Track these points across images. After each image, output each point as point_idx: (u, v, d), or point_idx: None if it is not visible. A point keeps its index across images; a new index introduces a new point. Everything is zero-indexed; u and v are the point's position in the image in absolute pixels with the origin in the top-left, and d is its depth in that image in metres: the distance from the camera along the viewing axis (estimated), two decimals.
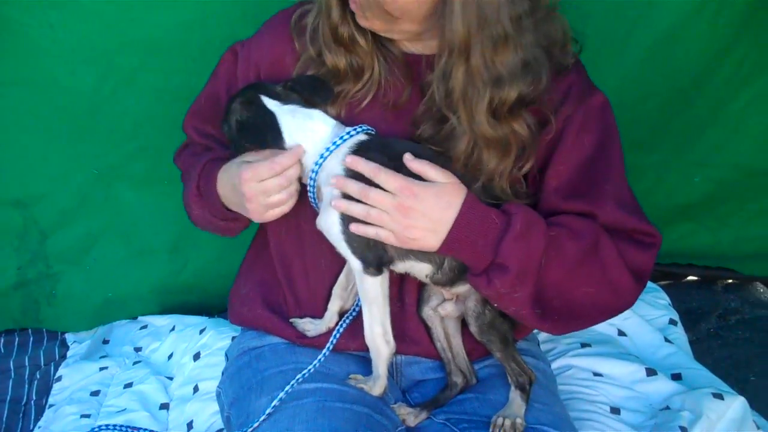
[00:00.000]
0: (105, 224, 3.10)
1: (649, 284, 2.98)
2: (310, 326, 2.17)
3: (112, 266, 3.16)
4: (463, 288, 2.05)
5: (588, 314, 2.05)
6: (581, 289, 1.99)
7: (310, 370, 2.03)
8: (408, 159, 1.91)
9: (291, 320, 2.21)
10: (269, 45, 2.18)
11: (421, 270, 2.01)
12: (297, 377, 2.01)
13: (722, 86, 3.00)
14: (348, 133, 1.96)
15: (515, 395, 2.06)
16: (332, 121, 2.00)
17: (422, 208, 1.88)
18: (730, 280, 3.50)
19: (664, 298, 2.96)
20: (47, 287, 3.16)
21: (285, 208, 2.00)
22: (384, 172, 1.89)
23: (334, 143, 1.95)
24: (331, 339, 2.08)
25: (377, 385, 2.04)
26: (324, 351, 2.06)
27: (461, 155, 1.94)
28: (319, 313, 2.18)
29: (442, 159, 1.96)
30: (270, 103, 1.98)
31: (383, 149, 1.95)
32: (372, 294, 1.97)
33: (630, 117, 2.85)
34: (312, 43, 2.08)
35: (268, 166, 1.93)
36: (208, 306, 3.24)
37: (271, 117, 1.97)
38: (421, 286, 2.13)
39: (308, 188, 1.99)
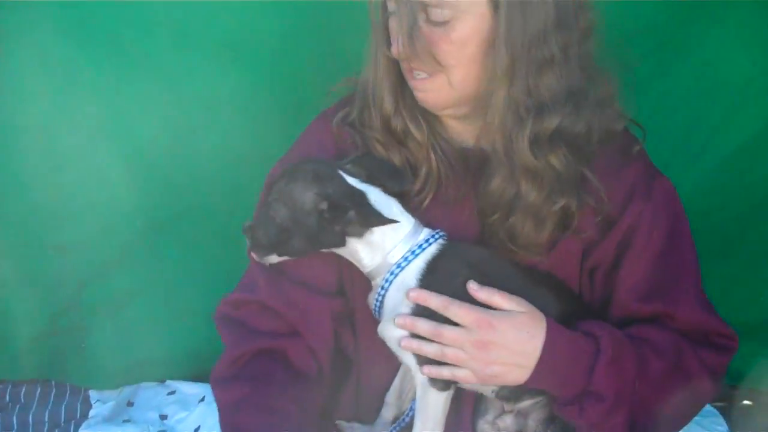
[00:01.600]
0: (144, 281, 3.00)
1: (707, 407, 2.85)
2: (357, 431, 2.03)
3: (147, 325, 3.04)
4: (527, 403, 1.91)
5: (670, 424, 1.98)
6: (667, 401, 1.89)
7: None
8: (473, 289, 1.80)
9: (337, 422, 2.06)
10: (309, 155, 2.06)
11: (487, 388, 1.89)
12: None
13: None
14: (427, 240, 1.83)
15: None
16: (412, 219, 1.87)
17: (503, 342, 1.76)
18: None
19: (722, 425, 2.82)
20: (77, 339, 3.05)
21: None
22: (455, 305, 1.77)
23: (413, 252, 1.81)
24: None
25: None
26: None
27: (497, 190, 1.84)
28: (368, 418, 2.04)
29: (524, 276, 1.86)
30: (353, 182, 1.83)
31: (462, 258, 1.84)
32: (433, 410, 1.83)
33: (703, 226, 2.76)
34: (359, 142, 1.97)
35: None
36: None
37: (359, 199, 1.81)
38: (478, 397, 1.98)
39: (378, 292, 1.85)
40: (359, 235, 1.80)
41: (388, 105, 1.91)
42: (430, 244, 1.83)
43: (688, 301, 1.96)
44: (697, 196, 2.74)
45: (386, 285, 1.82)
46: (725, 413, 2.92)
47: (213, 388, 2.08)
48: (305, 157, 1.93)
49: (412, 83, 1.88)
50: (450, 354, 1.77)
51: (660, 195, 1.98)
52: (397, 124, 1.92)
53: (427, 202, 1.94)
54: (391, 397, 2.00)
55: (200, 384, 3.01)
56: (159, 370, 3.10)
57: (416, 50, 1.77)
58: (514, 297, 1.81)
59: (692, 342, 1.95)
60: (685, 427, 2.58)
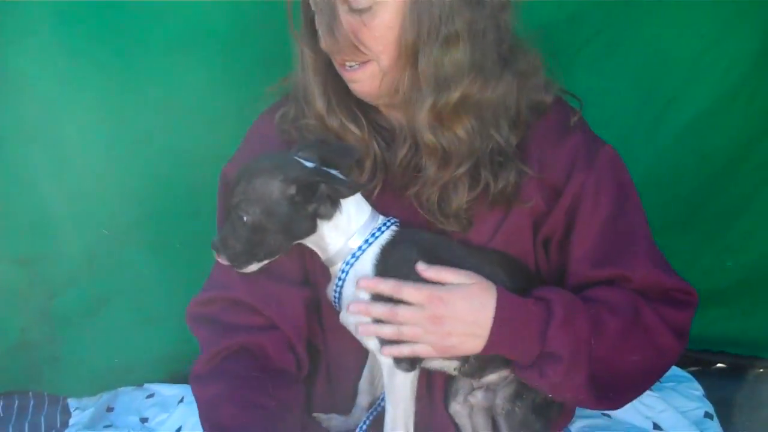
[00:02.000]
0: (113, 287, 2.98)
1: (683, 373, 2.87)
2: (335, 422, 2.03)
3: (120, 331, 3.03)
4: (493, 377, 1.93)
5: (638, 383, 1.99)
6: (628, 360, 1.91)
7: None
8: (421, 269, 1.81)
9: (314, 415, 2.06)
10: (260, 149, 2.05)
11: (449, 364, 1.90)
12: None
13: (755, 172, 2.93)
14: (379, 229, 1.85)
15: None
16: (369, 208, 1.88)
17: (455, 314, 1.79)
18: (762, 369, 3.35)
19: (698, 389, 2.81)
20: (51, 350, 3.03)
21: None
22: (405, 287, 1.79)
23: (367, 241, 1.83)
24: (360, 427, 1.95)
25: None
26: None
27: (401, 161, 1.88)
28: (343, 408, 2.04)
29: (477, 256, 1.87)
30: (312, 165, 1.82)
31: (413, 243, 1.85)
32: (401, 391, 1.84)
33: (662, 199, 2.80)
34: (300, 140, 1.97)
35: None
36: None
37: (325, 174, 1.80)
38: (448, 379, 1.99)
39: (336, 282, 1.86)
40: (329, 216, 1.80)
41: (320, 104, 1.92)
42: (382, 231, 1.84)
43: (642, 262, 1.96)
44: (655, 170, 2.79)
45: (343, 275, 1.83)
46: (700, 378, 2.93)
47: (192, 386, 2.07)
48: (257, 155, 1.92)
49: (345, 76, 1.88)
50: (407, 332, 1.79)
51: (603, 162, 1.98)
52: (332, 122, 1.92)
53: (376, 192, 1.95)
54: (363, 384, 2.02)
55: (178, 385, 2.99)
56: (136, 374, 3.08)
57: (339, 40, 1.79)
58: (462, 271, 1.83)
59: (650, 299, 1.96)
60: (661, 392, 2.64)
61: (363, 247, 1.82)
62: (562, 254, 1.99)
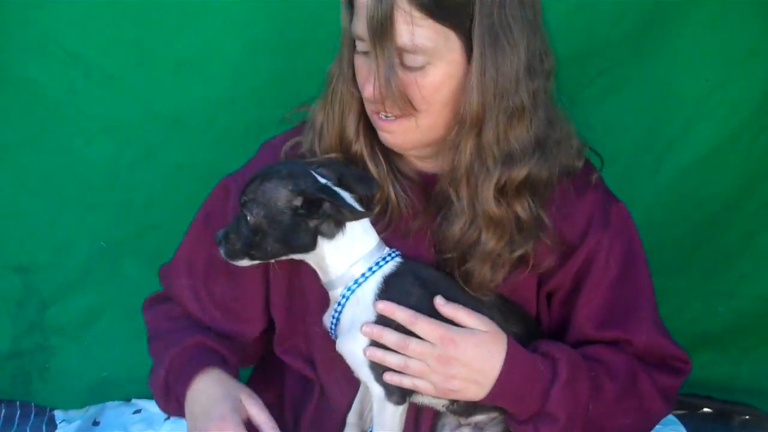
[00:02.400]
0: (108, 300, 2.98)
1: (668, 417, 2.85)
2: None
3: (111, 344, 3.03)
4: (481, 417, 1.92)
5: None
6: (619, 423, 1.92)
7: None
8: (440, 304, 1.81)
9: None
10: None
11: (438, 402, 1.89)
12: None
13: (753, 216, 2.93)
14: (384, 259, 1.84)
15: None
16: (377, 237, 1.87)
17: (464, 359, 1.78)
18: (748, 417, 3.32)
19: None
20: (41, 360, 3.02)
21: None
22: (422, 320, 1.77)
23: (371, 269, 1.82)
24: None
25: None
26: None
27: (457, 234, 1.84)
28: None
29: (474, 300, 1.87)
30: (326, 182, 1.81)
31: (416, 277, 1.84)
32: (390, 424, 1.82)
33: (658, 239, 2.78)
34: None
35: None
36: None
37: (333, 194, 1.78)
38: (435, 415, 1.99)
39: (335, 308, 1.85)
40: (331, 236, 1.79)
41: (351, 133, 1.89)
42: (387, 262, 1.84)
43: (645, 327, 1.96)
44: (653, 210, 2.80)
45: (343, 301, 1.82)
46: (685, 421, 2.96)
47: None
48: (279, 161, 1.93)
49: (378, 123, 1.85)
50: (413, 366, 1.77)
51: (616, 221, 1.98)
52: (357, 150, 1.90)
53: (384, 234, 1.92)
54: (352, 417, 1.99)
55: None
56: (124, 388, 3.07)
57: (391, 94, 1.74)
58: (478, 315, 1.82)
59: (647, 365, 1.96)
60: None
61: (366, 275, 1.81)
62: (565, 309, 1.98)
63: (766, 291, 3.05)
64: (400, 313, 1.77)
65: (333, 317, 1.84)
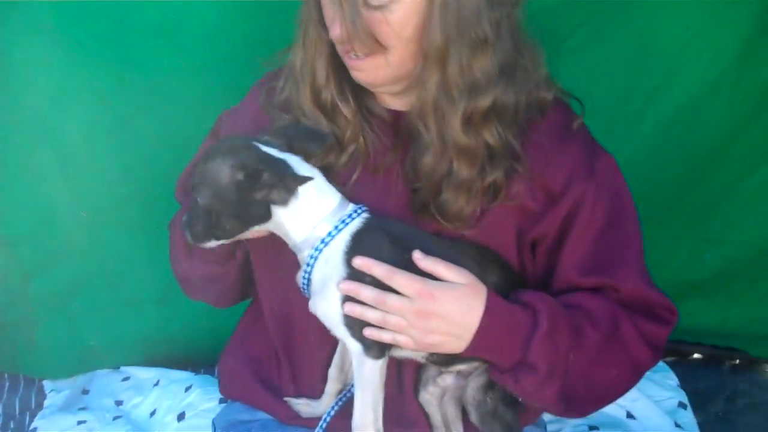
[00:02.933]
0: (91, 270, 2.95)
1: (659, 363, 2.86)
2: (306, 408, 2.01)
3: (97, 313, 3.01)
4: (463, 366, 1.91)
5: (611, 394, 2.00)
6: (604, 372, 1.91)
7: None
8: (418, 258, 1.79)
9: (285, 399, 2.05)
10: (251, 115, 2.06)
11: (418, 353, 1.88)
12: None
13: (739, 162, 2.94)
14: (350, 216, 1.82)
15: None
16: (338, 194, 1.85)
17: (443, 312, 1.76)
18: (738, 361, 3.38)
19: (672, 378, 2.83)
20: (27, 331, 3.00)
21: None
22: (398, 276, 1.76)
23: (336, 227, 1.80)
24: (324, 417, 1.93)
25: None
26: (320, 425, 1.92)
27: (429, 169, 1.84)
28: (314, 392, 2.02)
29: (455, 250, 1.85)
30: (271, 151, 1.80)
31: (386, 232, 1.82)
32: (370, 379, 1.81)
33: (644, 189, 2.76)
34: (287, 112, 1.95)
35: None
36: (194, 359, 3.08)
37: (273, 162, 1.77)
38: (419, 368, 1.98)
39: (305, 269, 1.83)
40: (284, 203, 1.77)
41: (321, 79, 1.89)
42: (353, 218, 1.82)
43: (631, 275, 1.95)
44: (638, 159, 2.77)
45: (312, 261, 1.81)
46: (675, 368, 2.96)
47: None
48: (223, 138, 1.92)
49: (350, 63, 1.85)
50: (392, 321, 1.76)
51: (602, 172, 1.96)
52: (327, 97, 1.90)
53: (356, 175, 1.92)
54: (333, 371, 1.99)
55: (154, 368, 2.99)
56: (113, 356, 3.07)
57: (358, 34, 1.75)
58: (456, 268, 1.80)
59: (632, 312, 1.95)
60: (637, 383, 2.64)
61: (333, 233, 1.80)
62: (550, 258, 1.97)
63: (754, 237, 3.06)
64: (377, 269, 1.76)
65: (304, 278, 1.83)
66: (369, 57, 1.81)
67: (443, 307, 1.76)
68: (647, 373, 2.71)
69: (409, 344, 1.79)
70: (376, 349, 1.80)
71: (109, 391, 2.95)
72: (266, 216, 1.78)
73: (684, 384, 2.87)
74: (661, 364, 2.92)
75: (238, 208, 1.76)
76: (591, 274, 1.93)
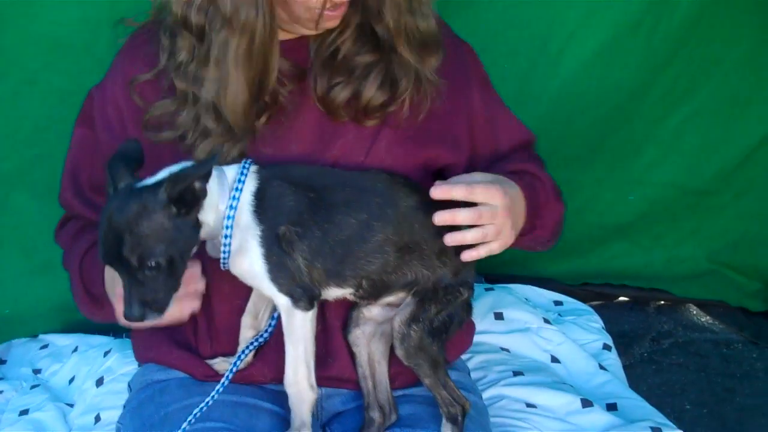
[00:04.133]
0: (2, 236, 2.86)
1: (582, 306, 2.90)
2: (224, 365, 1.97)
3: (11, 281, 2.93)
4: (390, 298, 1.89)
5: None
6: (554, 218, 2.08)
7: (208, 402, 1.83)
8: (440, 190, 1.77)
9: (207, 361, 1.99)
10: (121, 88, 1.96)
11: (343, 293, 1.86)
12: (195, 411, 1.82)
13: (658, 103, 2.97)
14: (239, 179, 1.75)
15: (446, 429, 1.87)
16: (219, 167, 1.78)
17: (516, 203, 1.84)
18: (663, 302, 3.44)
19: (597, 322, 2.82)
20: None
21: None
22: (477, 188, 1.77)
23: (234, 197, 1.74)
24: (234, 361, 1.88)
25: None
26: (223, 380, 1.85)
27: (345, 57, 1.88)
28: (233, 347, 1.97)
29: (364, 177, 1.84)
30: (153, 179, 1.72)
31: (284, 179, 1.78)
32: (301, 332, 1.78)
33: (565, 132, 2.80)
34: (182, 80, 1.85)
35: None
36: (114, 324, 2.99)
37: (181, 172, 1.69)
38: (350, 307, 1.95)
39: (224, 240, 1.75)
40: (201, 206, 1.71)
41: (274, 62, 1.80)
42: (243, 182, 1.76)
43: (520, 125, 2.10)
44: (559, 103, 2.79)
45: (228, 231, 1.74)
46: (602, 311, 2.94)
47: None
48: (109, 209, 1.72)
49: (328, 15, 1.80)
50: (490, 232, 1.78)
51: (472, 59, 2.05)
52: (273, 77, 1.82)
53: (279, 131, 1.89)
54: (247, 319, 1.94)
55: (72, 334, 2.90)
56: (29, 325, 2.98)
57: None
58: (478, 174, 1.86)
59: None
60: (560, 326, 2.66)
61: (233, 205, 1.74)
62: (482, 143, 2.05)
63: (676, 177, 3.11)
64: (457, 190, 1.76)
65: (224, 252, 1.77)
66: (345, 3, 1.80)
67: (512, 200, 1.81)
68: (572, 317, 2.77)
69: (501, 248, 1.81)
70: (305, 301, 1.77)
71: (26, 360, 2.85)
72: (198, 228, 1.71)
73: (610, 327, 2.87)
74: (585, 307, 2.93)
75: (186, 240, 1.69)
76: (512, 142, 2.07)
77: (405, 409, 1.98)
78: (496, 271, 3.19)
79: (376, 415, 1.94)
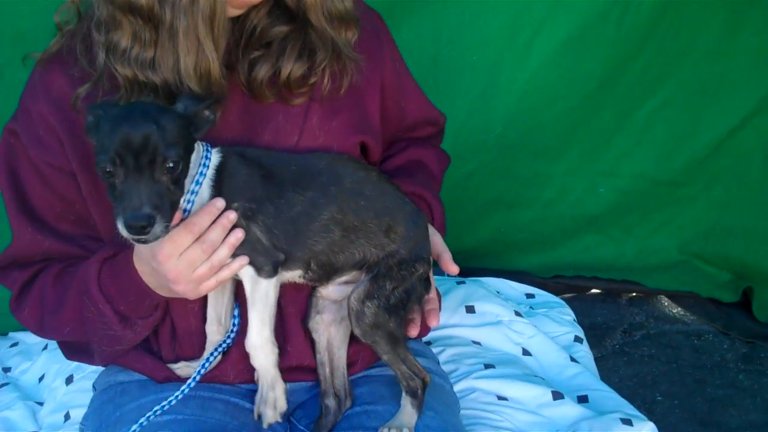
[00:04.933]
0: None
1: (554, 299, 2.88)
2: (186, 370, 1.92)
3: None
4: (343, 278, 1.86)
5: None
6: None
7: (171, 401, 1.80)
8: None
9: (168, 365, 1.94)
10: (54, 99, 1.86)
11: (293, 276, 1.82)
12: (155, 409, 1.79)
13: (628, 93, 2.96)
14: (206, 156, 1.72)
15: (406, 402, 1.84)
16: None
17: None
18: (635, 294, 3.43)
19: (569, 314, 2.80)
20: None
21: (220, 278, 1.73)
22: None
23: (201, 173, 1.70)
24: (202, 363, 1.85)
25: (278, 389, 1.81)
26: (189, 381, 1.83)
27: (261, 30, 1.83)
28: (194, 349, 1.93)
29: (310, 157, 1.83)
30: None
31: (239, 156, 1.76)
32: (264, 298, 1.76)
33: (535, 123, 2.76)
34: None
35: (185, 229, 1.64)
36: None
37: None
38: (309, 293, 1.92)
39: (185, 215, 1.71)
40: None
41: (222, 45, 1.74)
42: (209, 158, 1.73)
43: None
44: (528, 94, 2.76)
45: (192, 197, 1.70)
46: (574, 304, 2.95)
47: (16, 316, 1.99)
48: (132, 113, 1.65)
49: None
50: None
51: (383, 29, 2.02)
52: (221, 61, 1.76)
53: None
54: (212, 326, 1.90)
55: None
56: (0, 323, 2.92)
57: None
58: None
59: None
60: (532, 318, 2.64)
61: (200, 180, 1.70)
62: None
63: (646, 168, 3.10)
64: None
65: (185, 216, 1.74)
66: None
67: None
68: (544, 310, 2.75)
69: None
70: (269, 267, 1.75)
71: None
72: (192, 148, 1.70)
73: (582, 319, 2.88)
74: (557, 299, 2.91)
75: (187, 164, 1.66)
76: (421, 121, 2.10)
77: (365, 389, 1.96)
78: (467, 264, 3.17)
79: (331, 402, 1.92)
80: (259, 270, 1.75)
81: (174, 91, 1.72)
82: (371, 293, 1.79)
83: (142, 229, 1.55)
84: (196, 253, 1.66)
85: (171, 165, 1.59)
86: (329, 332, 1.92)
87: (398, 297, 1.82)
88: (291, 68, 1.83)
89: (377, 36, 1.98)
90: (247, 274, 1.75)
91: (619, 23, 2.78)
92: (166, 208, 1.59)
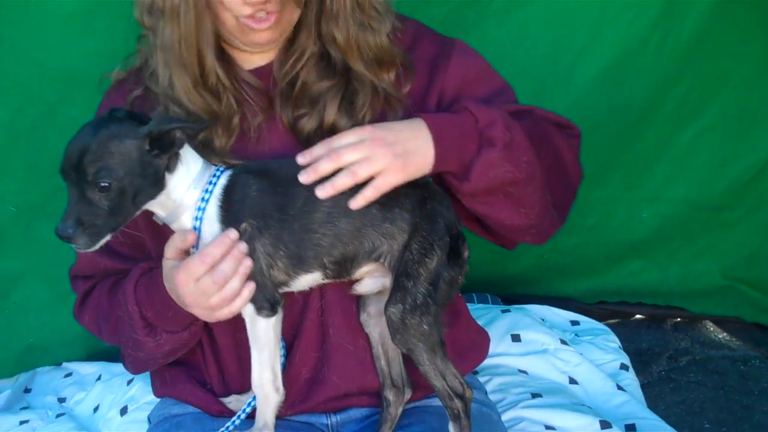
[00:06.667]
0: (25, 266, 2.82)
1: (599, 325, 2.83)
2: (237, 404, 1.90)
3: (35, 310, 2.88)
4: (363, 269, 1.78)
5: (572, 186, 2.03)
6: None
7: None
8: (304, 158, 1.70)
9: (221, 399, 1.93)
10: None
11: (314, 278, 1.77)
12: None
13: (669, 119, 2.89)
14: (215, 175, 1.72)
15: (451, 428, 1.75)
16: (201, 159, 1.74)
17: (392, 134, 1.68)
18: (679, 319, 3.34)
19: (614, 341, 2.74)
20: None
21: (233, 309, 1.71)
22: (338, 136, 1.69)
23: (208, 190, 1.70)
24: (248, 401, 1.82)
25: None
26: (239, 413, 1.82)
27: (312, 85, 1.83)
28: (240, 382, 1.91)
29: None
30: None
31: (246, 173, 1.74)
32: (264, 338, 1.74)
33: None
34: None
35: (199, 259, 1.64)
36: None
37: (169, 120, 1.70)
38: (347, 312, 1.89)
39: (194, 225, 1.71)
40: (173, 168, 1.68)
41: (210, 62, 1.78)
42: (218, 177, 1.72)
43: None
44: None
45: (198, 224, 1.70)
46: (618, 330, 2.88)
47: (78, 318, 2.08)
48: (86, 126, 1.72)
49: (253, 26, 1.75)
50: (361, 167, 1.65)
51: (458, 48, 1.93)
52: (214, 79, 1.79)
53: (234, 137, 1.83)
54: None
55: (96, 363, 2.86)
56: (54, 353, 2.93)
57: None
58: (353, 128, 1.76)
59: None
60: (577, 346, 2.58)
61: (206, 198, 1.70)
62: None
63: (689, 193, 3.03)
64: (317, 149, 1.69)
65: (195, 246, 1.73)
66: (270, 15, 1.75)
67: (389, 130, 1.69)
68: (589, 338, 2.68)
69: (396, 177, 1.67)
70: (267, 307, 1.72)
71: (51, 389, 2.81)
72: (163, 184, 1.67)
73: (626, 345, 2.80)
74: (602, 326, 2.86)
75: (144, 182, 1.64)
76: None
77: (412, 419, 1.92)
78: (512, 291, 3.12)
79: (390, 394, 1.87)
80: (258, 309, 1.72)
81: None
82: (393, 298, 1.71)
83: (67, 239, 1.60)
84: (208, 284, 1.65)
85: (104, 185, 1.58)
86: (380, 324, 1.85)
87: (424, 293, 1.72)
88: (333, 120, 1.80)
89: (446, 53, 1.93)
90: (247, 313, 1.73)
91: (660, 49, 2.73)
92: (97, 224, 1.60)
